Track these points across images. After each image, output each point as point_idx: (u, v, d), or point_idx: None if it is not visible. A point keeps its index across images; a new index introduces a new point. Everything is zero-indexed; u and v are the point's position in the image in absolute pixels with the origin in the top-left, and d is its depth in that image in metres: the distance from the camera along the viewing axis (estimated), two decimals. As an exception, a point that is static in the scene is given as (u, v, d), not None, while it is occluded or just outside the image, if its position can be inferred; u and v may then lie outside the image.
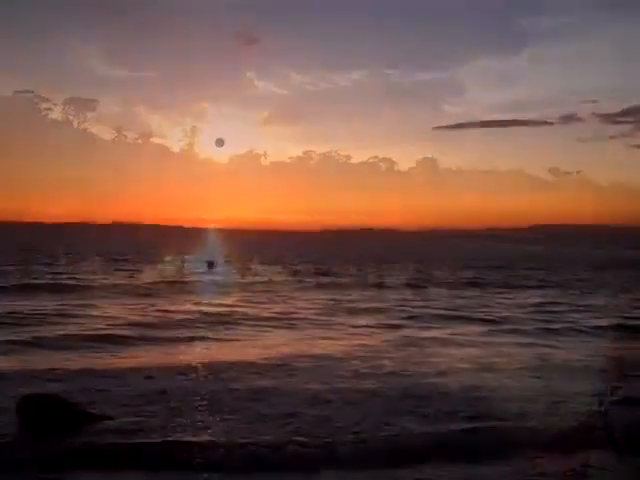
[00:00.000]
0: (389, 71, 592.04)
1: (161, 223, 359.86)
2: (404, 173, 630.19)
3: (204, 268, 48.25)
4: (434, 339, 18.05)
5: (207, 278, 38.56)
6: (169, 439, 8.71)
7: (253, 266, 53.50)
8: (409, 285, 37.47)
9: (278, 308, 24.84)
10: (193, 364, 13.76)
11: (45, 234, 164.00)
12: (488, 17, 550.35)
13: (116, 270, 43.91)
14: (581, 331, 20.73)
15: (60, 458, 8.12)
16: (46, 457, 8.09)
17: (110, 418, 9.65)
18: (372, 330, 20.32)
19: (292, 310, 24.49)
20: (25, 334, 17.15)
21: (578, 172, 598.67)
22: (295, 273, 46.04)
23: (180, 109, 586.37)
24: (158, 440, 8.64)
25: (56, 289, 29.72)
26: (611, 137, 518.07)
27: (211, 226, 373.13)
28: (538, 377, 13.68)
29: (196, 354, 15.44)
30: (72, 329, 17.95)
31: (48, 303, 23.95)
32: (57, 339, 16.33)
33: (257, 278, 40.34)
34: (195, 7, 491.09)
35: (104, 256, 62.47)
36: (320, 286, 35.57)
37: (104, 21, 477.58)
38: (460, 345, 17.34)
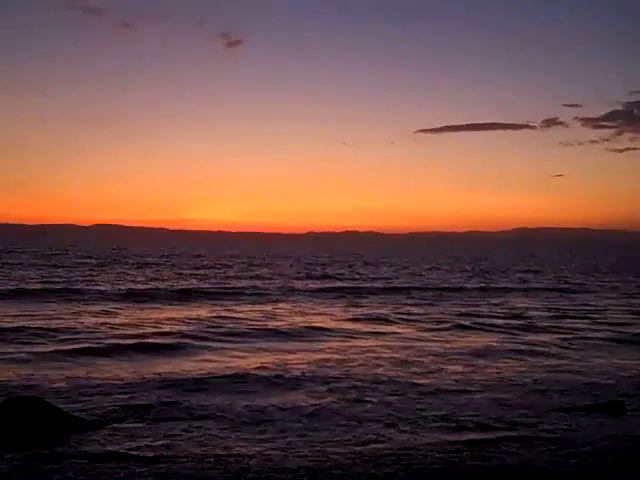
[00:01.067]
0: (371, 73, 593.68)
1: (145, 225, 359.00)
2: (387, 175, 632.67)
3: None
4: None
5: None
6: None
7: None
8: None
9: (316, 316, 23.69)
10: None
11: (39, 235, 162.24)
12: (471, 21, 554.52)
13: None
14: None
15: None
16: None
17: (99, 425, 9.22)
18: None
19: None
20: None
21: (560, 176, 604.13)
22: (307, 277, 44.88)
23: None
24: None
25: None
26: (592, 141, 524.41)
27: (195, 228, 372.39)
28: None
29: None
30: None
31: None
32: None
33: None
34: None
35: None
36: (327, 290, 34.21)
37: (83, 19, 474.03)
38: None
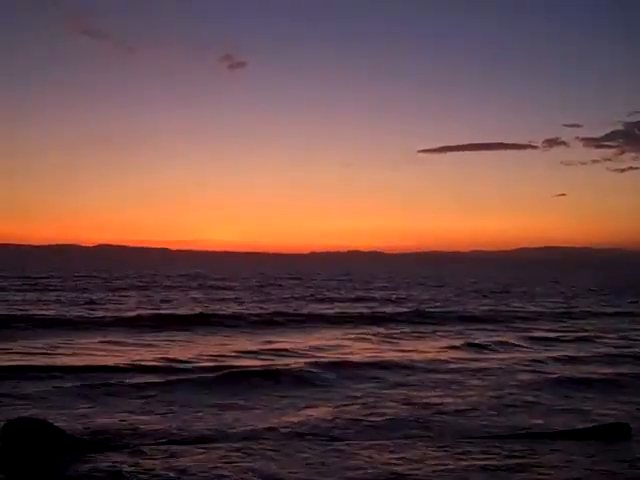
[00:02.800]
0: (374, 94, 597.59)
1: (147, 245, 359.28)
2: (389, 195, 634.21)
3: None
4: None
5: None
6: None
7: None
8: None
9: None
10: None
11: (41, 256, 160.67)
12: (473, 41, 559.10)
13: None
14: None
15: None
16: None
17: (105, 447, 9.06)
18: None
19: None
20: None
21: (562, 195, 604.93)
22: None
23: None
24: None
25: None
26: (594, 161, 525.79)
27: (198, 249, 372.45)
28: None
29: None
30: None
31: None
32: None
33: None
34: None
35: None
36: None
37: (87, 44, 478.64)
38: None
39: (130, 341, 20.71)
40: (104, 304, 33.50)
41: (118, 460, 8.52)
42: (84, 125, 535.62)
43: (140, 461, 8.55)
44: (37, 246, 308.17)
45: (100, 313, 28.55)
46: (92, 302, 34.27)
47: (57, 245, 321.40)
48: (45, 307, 30.95)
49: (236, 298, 40.43)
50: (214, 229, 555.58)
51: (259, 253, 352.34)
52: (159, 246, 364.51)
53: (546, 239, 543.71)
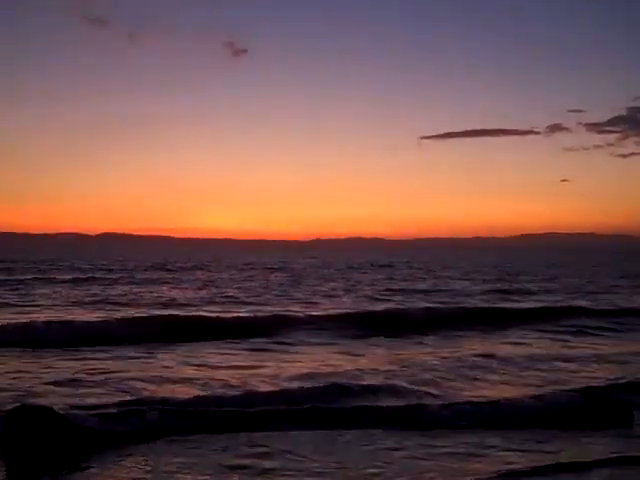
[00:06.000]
0: (376, 80, 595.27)
1: (151, 233, 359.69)
2: (391, 182, 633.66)
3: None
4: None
5: None
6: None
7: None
8: None
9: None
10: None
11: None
12: (475, 26, 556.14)
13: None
14: None
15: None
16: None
17: (123, 442, 8.37)
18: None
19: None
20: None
21: (566, 181, 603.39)
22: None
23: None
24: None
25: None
26: (597, 146, 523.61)
27: (201, 236, 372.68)
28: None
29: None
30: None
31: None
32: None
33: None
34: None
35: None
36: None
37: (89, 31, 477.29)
38: None
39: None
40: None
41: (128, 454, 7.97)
42: (86, 111, 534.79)
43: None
44: (40, 234, 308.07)
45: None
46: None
47: (60, 234, 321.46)
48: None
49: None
50: (216, 217, 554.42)
51: (264, 240, 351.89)
52: (163, 234, 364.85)
53: (549, 225, 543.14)
